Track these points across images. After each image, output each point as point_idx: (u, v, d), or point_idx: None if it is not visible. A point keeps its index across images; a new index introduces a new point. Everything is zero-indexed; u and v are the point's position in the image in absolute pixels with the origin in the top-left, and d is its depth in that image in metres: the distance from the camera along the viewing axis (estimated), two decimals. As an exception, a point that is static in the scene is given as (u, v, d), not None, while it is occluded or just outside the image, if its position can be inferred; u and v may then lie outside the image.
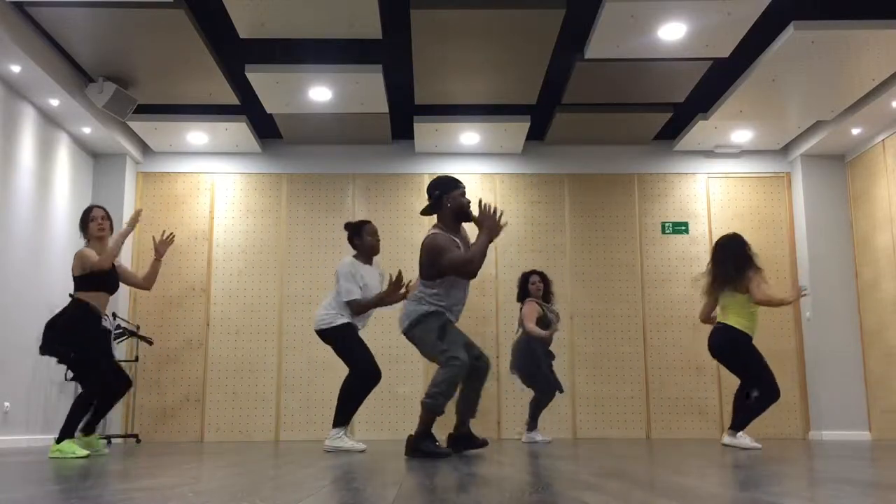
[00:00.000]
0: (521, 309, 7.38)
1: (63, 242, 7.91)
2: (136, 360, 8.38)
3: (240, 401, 8.49)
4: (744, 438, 5.70)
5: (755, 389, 5.84)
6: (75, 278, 5.31)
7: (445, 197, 4.73)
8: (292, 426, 8.44)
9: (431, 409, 4.50)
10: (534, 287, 7.34)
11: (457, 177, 5.04)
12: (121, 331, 8.00)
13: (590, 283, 8.80)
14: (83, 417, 5.15)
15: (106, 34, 6.45)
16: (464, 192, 4.78)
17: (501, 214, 4.59)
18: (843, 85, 7.15)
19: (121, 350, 8.34)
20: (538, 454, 4.77)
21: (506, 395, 8.37)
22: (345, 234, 8.75)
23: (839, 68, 6.81)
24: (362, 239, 5.88)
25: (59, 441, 4.94)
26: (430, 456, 4.40)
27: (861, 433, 8.24)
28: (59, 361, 5.35)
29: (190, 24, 6.25)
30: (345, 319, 5.67)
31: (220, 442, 8.03)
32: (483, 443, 4.87)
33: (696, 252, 8.86)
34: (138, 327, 8.40)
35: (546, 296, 7.43)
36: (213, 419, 8.44)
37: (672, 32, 6.30)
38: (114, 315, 8.09)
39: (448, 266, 4.54)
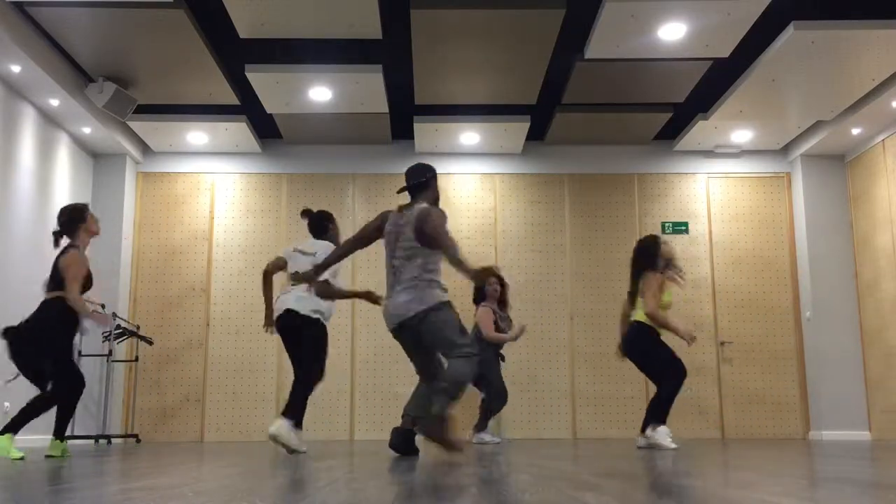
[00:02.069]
0: (475, 314, 7.30)
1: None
2: (136, 360, 8.38)
3: (240, 401, 8.49)
4: (663, 437, 5.60)
5: (664, 378, 5.81)
6: (60, 278, 5.05)
7: (435, 181, 4.77)
8: (292, 426, 8.43)
9: (451, 393, 4.34)
10: (491, 289, 7.30)
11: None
12: (121, 331, 8.01)
13: (590, 283, 8.80)
14: (36, 417, 5.02)
15: (106, 34, 6.45)
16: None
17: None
18: (843, 85, 7.15)
19: (121, 350, 8.35)
20: (538, 454, 4.77)
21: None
22: (344, 234, 8.78)
23: (839, 68, 6.81)
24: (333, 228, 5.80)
25: (2, 433, 4.87)
26: (444, 445, 4.26)
27: (861, 433, 8.24)
28: (27, 372, 5.15)
29: (190, 24, 6.25)
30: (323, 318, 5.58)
31: (220, 442, 8.03)
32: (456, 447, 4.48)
33: (696, 252, 8.86)
34: (138, 327, 8.40)
35: (501, 303, 7.37)
36: (213, 419, 8.44)
37: (672, 32, 6.30)
38: (114, 315, 8.10)
39: (447, 237, 4.43)
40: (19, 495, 2.26)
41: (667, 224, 8.93)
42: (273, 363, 8.57)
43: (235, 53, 6.98)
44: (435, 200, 4.73)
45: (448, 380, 4.33)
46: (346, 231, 8.85)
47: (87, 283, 5.21)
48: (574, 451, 5.15)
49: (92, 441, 7.72)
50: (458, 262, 4.34)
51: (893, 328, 7.82)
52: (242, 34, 6.40)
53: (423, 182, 4.72)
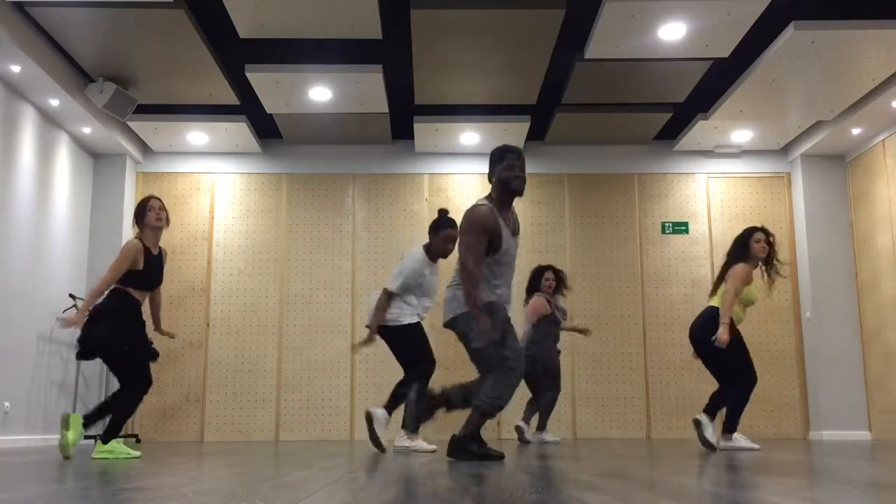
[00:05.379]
0: (526, 302, 7.29)
1: (63, 242, 7.91)
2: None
3: (240, 401, 8.49)
4: (741, 440, 5.66)
5: (732, 381, 5.68)
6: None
7: (492, 171, 4.43)
8: (292, 426, 8.44)
9: (486, 414, 4.22)
10: (547, 283, 7.25)
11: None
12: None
13: (590, 283, 8.80)
14: (130, 416, 5.02)
15: (106, 34, 6.45)
16: (511, 165, 4.36)
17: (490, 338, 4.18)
18: (843, 85, 7.15)
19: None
20: (539, 454, 4.77)
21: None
22: (344, 234, 8.81)
23: (839, 68, 6.81)
24: (437, 238, 5.62)
25: (105, 441, 4.87)
26: (480, 458, 4.18)
27: (861, 433, 8.24)
28: (104, 357, 5.03)
29: (190, 24, 6.25)
30: (413, 318, 5.64)
31: (220, 442, 8.03)
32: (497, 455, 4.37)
33: (696, 252, 8.86)
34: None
35: (556, 292, 7.34)
36: (213, 419, 8.44)
37: (672, 32, 6.30)
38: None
39: (462, 245, 4.22)
40: (19, 496, 2.26)
41: (667, 224, 8.93)
42: (273, 363, 8.58)
43: (235, 53, 6.97)
44: (499, 186, 4.43)
45: (487, 400, 4.18)
46: (344, 232, 8.86)
47: (148, 282, 5.03)
48: (574, 451, 5.15)
49: (92, 441, 7.72)
50: (470, 299, 4.12)
51: (893, 328, 7.82)
52: (242, 34, 6.40)
53: (489, 174, 4.46)
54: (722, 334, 5.49)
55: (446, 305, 4.36)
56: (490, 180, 4.48)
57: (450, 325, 4.37)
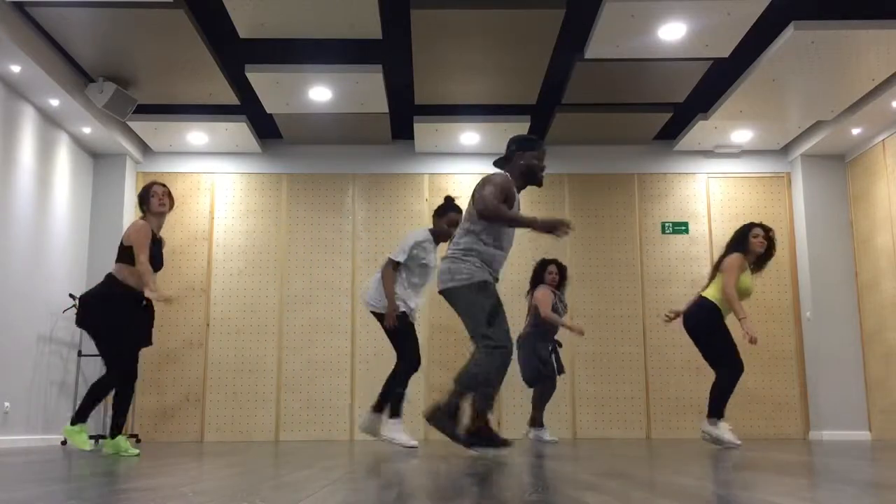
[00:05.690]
0: (530, 294, 7.33)
1: (63, 242, 7.91)
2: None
3: (240, 401, 8.49)
4: (724, 431, 5.74)
5: (719, 367, 5.83)
6: (123, 248, 5.10)
7: (518, 154, 4.51)
8: (292, 426, 8.44)
9: (476, 393, 4.25)
10: (550, 276, 7.32)
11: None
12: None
13: (590, 283, 8.80)
14: (97, 404, 5.05)
15: (106, 34, 6.45)
16: (541, 157, 4.52)
17: (564, 226, 4.31)
18: (843, 85, 7.15)
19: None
20: (539, 454, 4.77)
21: (508, 393, 8.36)
22: (344, 234, 8.81)
23: (839, 68, 6.81)
24: (441, 221, 5.67)
25: (73, 423, 4.97)
26: (490, 444, 4.23)
27: (861, 433, 8.24)
28: (91, 335, 5.12)
29: (190, 24, 6.25)
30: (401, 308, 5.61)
31: (220, 442, 8.03)
32: (503, 443, 4.41)
33: (696, 252, 8.86)
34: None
35: (560, 286, 7.40)
36: (213, 419, 8.44)
37: (672, 32, 6.30)
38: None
39: (483, 196, 4.30)
40: (19, 496, 2.26)
41: (667, 224, 8.93)
42: (273, 363, 8.57)
43: (235, 53, 6.97)
44: (520, 173, 4.50)
45: (464, 377, 4.23)
46: (344, 232, 8.86)
47: (155, 262, 5.12)
48: (574, 451, 5.15)
49: (92, 441, 7.72)
50: (515, 222, 4.29)
51: (893, 328, 7.82)
52: (242, 34, 6.40)
53: (507, 154, 4.56)
54: (749, 330, 5.60)
55: (440, 276, 4.44)
56: (506, 163, 4.56)
57: (445, 294, 4.45)
